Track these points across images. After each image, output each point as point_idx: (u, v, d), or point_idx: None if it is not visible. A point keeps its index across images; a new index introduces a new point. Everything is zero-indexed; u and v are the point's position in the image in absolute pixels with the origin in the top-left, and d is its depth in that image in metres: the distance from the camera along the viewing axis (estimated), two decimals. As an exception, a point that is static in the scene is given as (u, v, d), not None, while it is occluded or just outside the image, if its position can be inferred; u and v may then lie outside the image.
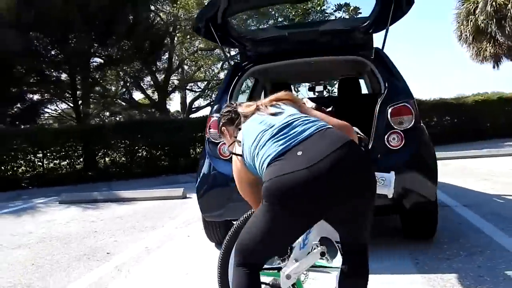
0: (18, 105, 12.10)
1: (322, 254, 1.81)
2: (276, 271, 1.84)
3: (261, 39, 3.61)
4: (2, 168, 9.94)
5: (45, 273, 3.41)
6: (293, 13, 13.53)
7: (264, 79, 4.84)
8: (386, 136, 3.10)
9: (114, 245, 4.14)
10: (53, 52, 11.46)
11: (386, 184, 1.99)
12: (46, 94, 12.42)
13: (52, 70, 11.64)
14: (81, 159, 10.63)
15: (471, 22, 16.15)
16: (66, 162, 10.41)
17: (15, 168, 10.03)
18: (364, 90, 5.17)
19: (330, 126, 1.65)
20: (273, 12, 17.78)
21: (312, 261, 1.82)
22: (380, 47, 3.47)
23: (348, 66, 3.96)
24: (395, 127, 3.11)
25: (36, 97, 12.56)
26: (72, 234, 4.72)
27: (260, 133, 1.66)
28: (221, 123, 2.01)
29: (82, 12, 9.54)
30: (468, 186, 5.94)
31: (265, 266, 1.82)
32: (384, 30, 3.41)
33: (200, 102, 20.29)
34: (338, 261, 1.82)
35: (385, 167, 3.05)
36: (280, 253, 1.76)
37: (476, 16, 15.77)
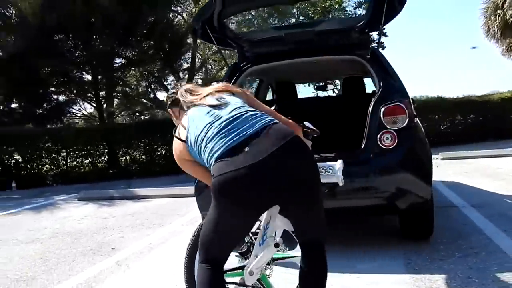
0: (45, 105, 12.51)
1: (276, 245, 1.85)
2: (240, 270, 1.89)
3: (258, 40, 3.66)
4: (28, 166, 10.37)
5: (51, 266, 3.57)
6: (312, 12, 13.46)
7: (268, 79, 4.88)
8: (378, 136, 3.10)
9: (120, 241, 4.28)
10: (76, 54, 11.83)
11: (333, 172, 2.03)
12: (70, 95, 12.82)
13: (76, 71, 12.01)
14: (103, 158, 10.94)
15: (499, 17, 15.66)
16: (88, 161, 10.75)
17: (40, 166, 10.44)
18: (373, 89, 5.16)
19: (277, 122, 1.67)
20: (294, 11, 17.83)
21: (270, 254, 1.86)
22: (380, 47, 3.46)
23: (348, 65, 3.95)
24: (388, 127, 3.10)
25: (61, 97, 12.98)
26: (83, 230, 4.90)
27: (207, 125, 1.67)
28: (167, 104, 2.04)
29: (103, 14, 9.81)
30: (483, 186, 5.80)
31: (232, 267, 1.89)
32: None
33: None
34: (298, 250, 1.87)
35: (377, 167, 3.11)
36: (234, 246, 1.77)
37: (504, 10, 15.28)
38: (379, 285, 2.67)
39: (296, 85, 5.32)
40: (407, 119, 3.11)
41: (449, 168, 7.71)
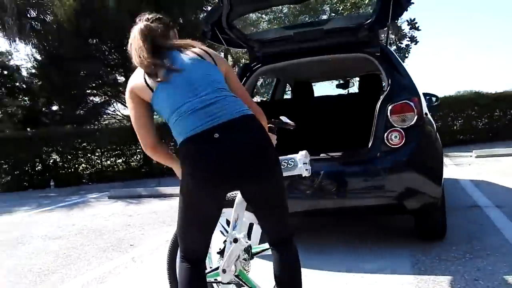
0: (82, 107, 13.03)
1: (235, 241, 1.89)
2: (218, 270, 1.94)
3: (267, 40, 3.69)
4: (66, 165, 10.85)
5: (71, 261, 3.75)
6: (342, 8, 13.29)
7: (284, 78, 4.90)
8: (385, 135, 3.05)
9: (140, 238, 4.42)
10: (110, 57, 12.24)
11: (295, 165, 2.03)
12: (105, 97, 13.28)
13: (110, 74, 12.44)
14: (135, 157, 11.27)
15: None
16: (121, 160, 11.11)
17: (76, 166, 10.90)
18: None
19: (250, 113, 1.67)
20: (325, 8, 17.68)
21: (237, 250, 1.90)
22: (387, 44, 3.41)
23: (359, 63, 3.91)
24: (395, 125, 3.05)
25: (96, 99, 13.47)
26: (107, 227, 5.10)
27: (186, 100, 1.62)
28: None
29: (134, 18, 10.07)
30: (513, 185, 5.57)
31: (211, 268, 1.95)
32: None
33: (257, 99, 20.63)
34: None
35: (384, 167, 3.06)
36: (209, 235, 1.77)
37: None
38: (381, 285, 2.64)
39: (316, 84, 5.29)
40: (416, 117, 3.04)
41: (482, 166, 7.44)
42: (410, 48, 13.50)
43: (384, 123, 3.07)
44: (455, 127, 12.17)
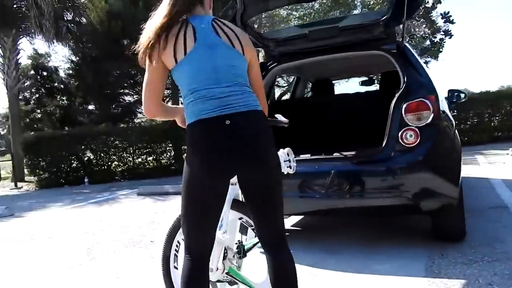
0: (115, 106, 13.44)
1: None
2: None
3: (282, 39, 3.68)
4: (99, 163, 11.22)
5: (92, 257, 3.88)
6: (373, 1, 13.04)
7: (303, 76, 4.87)
8: (400, 134, 2.99)
9: (161, 235, 4.52)
10: (141, 57, 12.54)
11: None
12: (136, 96, 13.63)
13: (140, 74, 12.75)
14: (165, 154, 11.51)
15: None
16: (152, 157, 11.38)
17: (109, 163, 11.24)
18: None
19: (260, 110, 1.71)
20: (356, 2, 17.39)
21: (219, 248, 1.95)
22: (403, 41, 3.33)
23: (377, 61, 3.82)
24: (410, 124, 2.98)
25: (129, 98, 13.86)
26: (132, 223, 5.24)
27: (206, 85, 1.63)
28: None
29: (163, 18, 10.29)
30: (549, 185, 5.32)
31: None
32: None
33: (287, 97, 20.54)
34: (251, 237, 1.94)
35: (398, 166, 3.00)
36: (212, 227, 1.75)
37: None
38: (391, 287, 2.59)
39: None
40: (432, 116, 2.96)
41: (518, 165, 7.14)
42: (444, 42, 13.13)
43: (399, 122, 3.01)
44: (492, 124, 11.72)
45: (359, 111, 3.98)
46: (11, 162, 12.75)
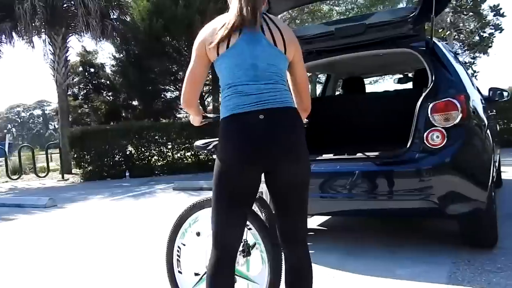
0: (157, 102, 13.80)
1: (198, 234, 2.13)
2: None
3: (308, 37, 3.63)
4: (140, 157, 11.56)
5: (119, 249, 4.02)
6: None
7: (333, 74, 4.79)
8: (425, 134, 2.89)
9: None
10: (181, 54, 12.80)
11: None
12: (177, 92, 13.92)
13: (181, 70, 13.01)
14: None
15: None
16: (190, 153, 11.59)
17: (149, 158, 11.56)
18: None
19: (294, 107, 1.73)
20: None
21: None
22: (432, 38, 3.21)
23: (405, 58, 3.70)
24: (436, 125, 2.87)
25: (170, 94, 14.18)
26: (163, 217, 5.37)
27: (244, 81, 1.67)
28: None
29: (202, 16, 10.47)
30: None
31: None
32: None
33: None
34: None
35: (422, 168, 2.90)
36: (242, 219, 1.76)
37: None
38: (406, 292, 2.52)
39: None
40: (460, 116, 2.84)
41: None
42: (494, 36, 12.48)
43: (424, 122, 2.91)
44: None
45: (387, 111, 3.87)
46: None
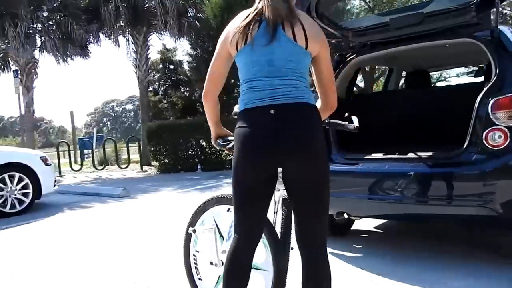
0: (229, 97, 14.03)
1: (194, 231, 2.19)
2: None
3: (362, 29, 3.45)
4: (211, 151, 11.89)
5: (155, 242, 4.14)
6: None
7: (395, 67, 4.50)
8: (484, 133, 2.61)
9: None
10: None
11: None
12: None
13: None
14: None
15: None
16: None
17: (219, 152, 11.83)
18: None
19: (309, 103, 1.68)
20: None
21: (210, 237, 2.12)
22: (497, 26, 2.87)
23: (468, 50, 3.34)
24: (498, 123, 2.57)
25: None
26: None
27: (259, 77, 1.67)
28: None
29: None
30: None
31: None
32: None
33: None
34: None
35: (480, 171, 2.62)
36: (263, 208, 1.76)
37: None
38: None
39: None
40: (527, 113, 2.52)
41: None
42: None
43: (484, 120, 2.62)
44: None
45: (445, 107, 3.56)
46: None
